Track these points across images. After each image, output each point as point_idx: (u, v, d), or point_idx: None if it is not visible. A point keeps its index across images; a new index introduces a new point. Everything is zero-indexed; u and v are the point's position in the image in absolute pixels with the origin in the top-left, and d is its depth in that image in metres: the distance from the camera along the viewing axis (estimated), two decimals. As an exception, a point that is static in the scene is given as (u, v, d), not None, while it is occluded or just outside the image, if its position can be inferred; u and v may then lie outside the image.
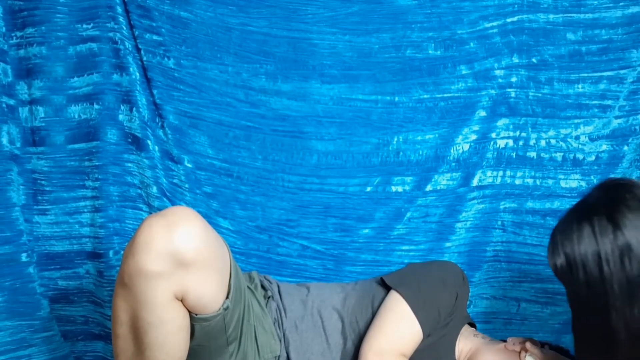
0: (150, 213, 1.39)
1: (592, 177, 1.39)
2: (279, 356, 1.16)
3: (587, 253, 0.99)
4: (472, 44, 1.39)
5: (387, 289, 1.21)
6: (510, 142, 1.41)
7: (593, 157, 1.39)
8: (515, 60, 1.38)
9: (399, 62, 1.40)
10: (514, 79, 1.39)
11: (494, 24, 1.38)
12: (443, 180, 1.41)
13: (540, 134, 1.40)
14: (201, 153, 1.42)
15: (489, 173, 1.41)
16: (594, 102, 1.39)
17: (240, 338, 1.08)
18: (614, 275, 0.96)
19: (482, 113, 1.40)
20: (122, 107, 1.40)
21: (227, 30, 1.40)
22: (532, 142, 1.40)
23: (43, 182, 1.41)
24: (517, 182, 1.41)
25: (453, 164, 1.41)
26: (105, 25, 1.38)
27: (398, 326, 1.15)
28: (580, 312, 1.03)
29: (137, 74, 1.39)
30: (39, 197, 1.41)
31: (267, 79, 1.41)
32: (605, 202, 1.02)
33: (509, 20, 1.38)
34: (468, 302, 1.34)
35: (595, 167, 1.39)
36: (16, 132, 1.38)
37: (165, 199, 1.40)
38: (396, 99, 1.40)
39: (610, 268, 0.97)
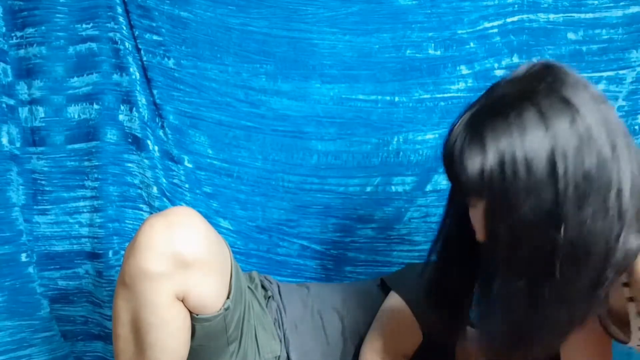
0: (151, 213, 1.39)
1: (592, 177, 1.39)
2: (279, 356, 1.16)
3: (536, 146, 0.76)
4: (472, 44, 1.39)
5: (387, 289, 1.21)
6: (511, 142, 1.41)
7: (593, 157, 1.39)
8: (516, 60, 1.38)
9: (399, 62, 1.39)
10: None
11: (494, 23, 1.38)
12: (443, 180, 1.41)
13: (541, 133, 1.40)
14: (201, 153, 1.42)
15: (489, 173, 1.41)
16: (593, 102, 1.39)
17: (241, 338, 1.08)
18: (569, 173, 0.76)
19: (482, 113, 1.40)
20: (122, 107, 1.40)
21: (227, 30, 1.40)
22: (532, 142, 1.40)
23: (43, 182, 1.41)
24: (517, 182, 1.41)
25: (453, 163, 1.41)
26: (105, 25, 1.38)
27: (398, 327, 1.15)
28: (512, 235, 0.79)
29: (137, 74, 1.39)
30: (39, 197, 1.41)
31: (267, 79, 1.41)
32: (544, 82, 0.79)
33: (509, 20, 1.38)
34: (468, 302, 1.34)
35: (595, 167, 1.39)
36: (16, 132, 1.38)
37: (165, 199, 1.40)
38: (396, 99, 1.40)
39: (566, 163, 0.75)
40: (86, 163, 1.40)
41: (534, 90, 0.78)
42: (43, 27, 1.38)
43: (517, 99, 0.78)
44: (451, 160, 0.81)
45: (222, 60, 1.41)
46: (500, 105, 0.79)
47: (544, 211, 0.77)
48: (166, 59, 1.40)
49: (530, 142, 0.76)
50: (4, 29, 1.37)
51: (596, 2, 1.37)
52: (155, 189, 1.40)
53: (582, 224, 0.77)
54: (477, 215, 0.84)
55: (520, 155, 0.76)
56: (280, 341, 1.17)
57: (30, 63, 1.39)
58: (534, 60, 0.85)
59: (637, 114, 1.39)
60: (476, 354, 1.21)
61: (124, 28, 1.38)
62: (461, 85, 1.39)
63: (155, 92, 1.40)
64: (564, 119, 0.76)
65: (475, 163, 0.78)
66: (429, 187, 1.41)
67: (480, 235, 0.85)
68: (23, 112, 1.40)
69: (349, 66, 1.40)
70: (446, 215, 0.97)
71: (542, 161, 0.76)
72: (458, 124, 0.82)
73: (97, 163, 1.39)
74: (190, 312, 0.98)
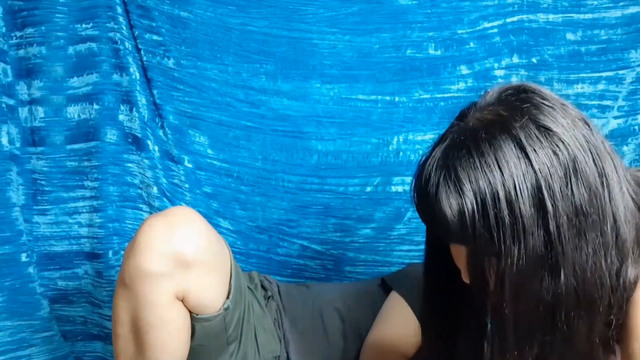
0: (150, 213, 1.39)
1: (591, 177, 1.39)
2: (279, 356, 1.16)
3: (519, 183, 0.67)
4: (472, 44, 1.39)
5: (388, 289, 1.21)
6: (510, 142, 1.41)
7: (592, 157, 1.39)
8: (515, 60, 1.38)
9: (399, 62, 1.39)
10: (514, 79, 1.39)
11: (494, 23, 1.38)
12: (443, 180, 1.41)
13: (540, 134, 1.40)
14: (201, 153, 1.42)
15: (489, 173, 1.41)
16: (593, 102, 1.39)
17: (241, 338, 1.08)
18: (559, 210, 0.68)
19: (482, 113, 1.40)
20: (122, 107, 1.39)
21: (227, 30, 1.40)
22: (532, 142, 1.40)
23: (43, 182, 1.41)
24: (517, 182, 1.41)
25: (453, 164, 1.41)
26: (105, 25, 1.37)
27: (399, 327, 1.15)
28: (503, 286, 0.70)
29: (137, 74, 1.39)
30: (39, 197, 1.41)
31: (267, 79, 1.41)
32: (519, 110, 0.71)
33: (509, 20, 1.38)
34: (468, 302, 1.34)
35: (595, 167, 1.39)
36: (16, 132, 1.38)
37: (165, 199, 1.40)
38: (396, 99, 1.40)
39: (555, 199, 0.68)
40: (86, 163, 1.40)
41: (509, 121, 0.70)
42: (43, 27, 1.37)
43: (491, 132, 0.70)
44: (425, 203, 0.72)
45: (222, 60, 1.40)
46: (473, 139, 0.70)
47: (537, 256, 0.69)
48: (166, 59, 1.40)
49: (511, 179, 0.67)
50: (3, 29, 1.36)
51: (595, 2, 1.37)
52: (155, 189, 1.40)
53: (583, 265, 0.70)
54: (460, 256, 0.75)
55: (503, 194, 0.67)
56: (280, 341, 1.17)
57: (30, 63, 1.39)
58: (504, 82, 0.78)
59: (637, 114, 1.39)
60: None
61: (124, 28, 1.38)
62: (461, 85, 1.39)
63: (155, 92, 1.40)
64: (547, 150, 0.69)
65: (453, 206, 0.69)
66: (429, 187, 1.41)
67: (465, 277, 0.75)
68: (23, 112, 1.40)
69: (349, 66, 1.40)
70: (428, 257, 0.86)
71: (527, 199, 0.67)
72: (428, 161, 0.73)
73: (97, 163, 1.39)
74: (190, 312, 0.98)
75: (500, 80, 1.39)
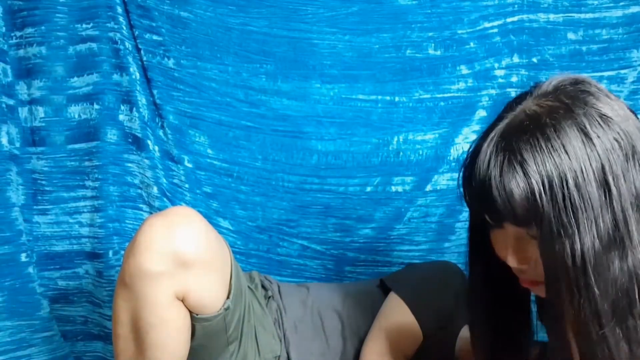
0: (151, 213, 1.39)
1: (592, 177, 1.39)
2: (279, 356, 1.16)
3: (585, 167, 0.70)
4: (472, 44, 1.39)
5: (387, 290, 1.21)
6: (511, 142, 1.40)
7: (593, 157, 1.39)
8: (516, 60, 1.38)
9: (399, 62, 1.39)
10: (514, 79, 1.39)
11: (494, 23, 1.38)
12: (443, 180, 1.41)
13: (541, 134, 1.40)
14: (201, 153, 1.42)
15: (489, 173, 1.41)
16: (594, 102, 1.39)
17: (241, 338, 1.08)
18: (624, 194, 0.70)
19: (483, 113, 1.40)
20: (122, 107, 1.39)
21: (227, 30, 1.40)
22: (532, 142, 1.40)
23: (43, 182, 1.41)
24: (517, 181, 1.41)
25: (453, 164, 1.41)
26: (105, 25, 1.37)
27: (398, 328, 1.15)
28: (575, 270, 0.70)
29: (137, 74, 1.39)
30: (39, 197, 1.41)
31: (267, 79, 1.41)
32: (579, 99, 0.74)
33: (509, 20, 1.38)
34: (468, 302, 1.34)
35: (596, 167, 1.39)
36: (16, 132, 1.38)
37: (165, 199, 1.40)
38: (396, 99, 1.40)
39: (619, 183, 0.70)
40: (86, 163, 1.40)
41: (572, 108, 0.72)
42: (43, 27, 1.37)
43: (555, 117, 0.72)
44: (487, 185, 0.72)
45: (222, 60, 1.40)
46: (536, 124, 0.72)
47: (607, 238, 0.70)
48: (166, 59, 1.40)
49: (578, 162, 0.70)
50: (3, 29, 1.36)
51: (596, 2, 1.37)
52: (155, 189, 1.40)
53: None
54: (504, 242, 0.77)
55: (571, 176, 0.69)
56: (280, 341, 1.17)
57: (30, 63, 1.39)
58: (558, 74, 0.80)
59: (637, 113, 1.38)
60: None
61: (124, 28, 1.38)
62: (461, 85, 1.39)
63: (155, 92, 1.40)
64: (609, 137, 0.72)
65: (521, 187, 0.70)
66: (429, 187, 1.41)
67: (512, 262, 0.77)
68: (23, 112, 1.40)
69: (349, 66, 1.40)
70: (473, 262, 0.89)
71: (594, 182, 0.69)
72: (486, 144, 0.74)
73: (97, 163, 1.39)
74: (190, 312, 0.98)
75: (500, 80, 1.39)
